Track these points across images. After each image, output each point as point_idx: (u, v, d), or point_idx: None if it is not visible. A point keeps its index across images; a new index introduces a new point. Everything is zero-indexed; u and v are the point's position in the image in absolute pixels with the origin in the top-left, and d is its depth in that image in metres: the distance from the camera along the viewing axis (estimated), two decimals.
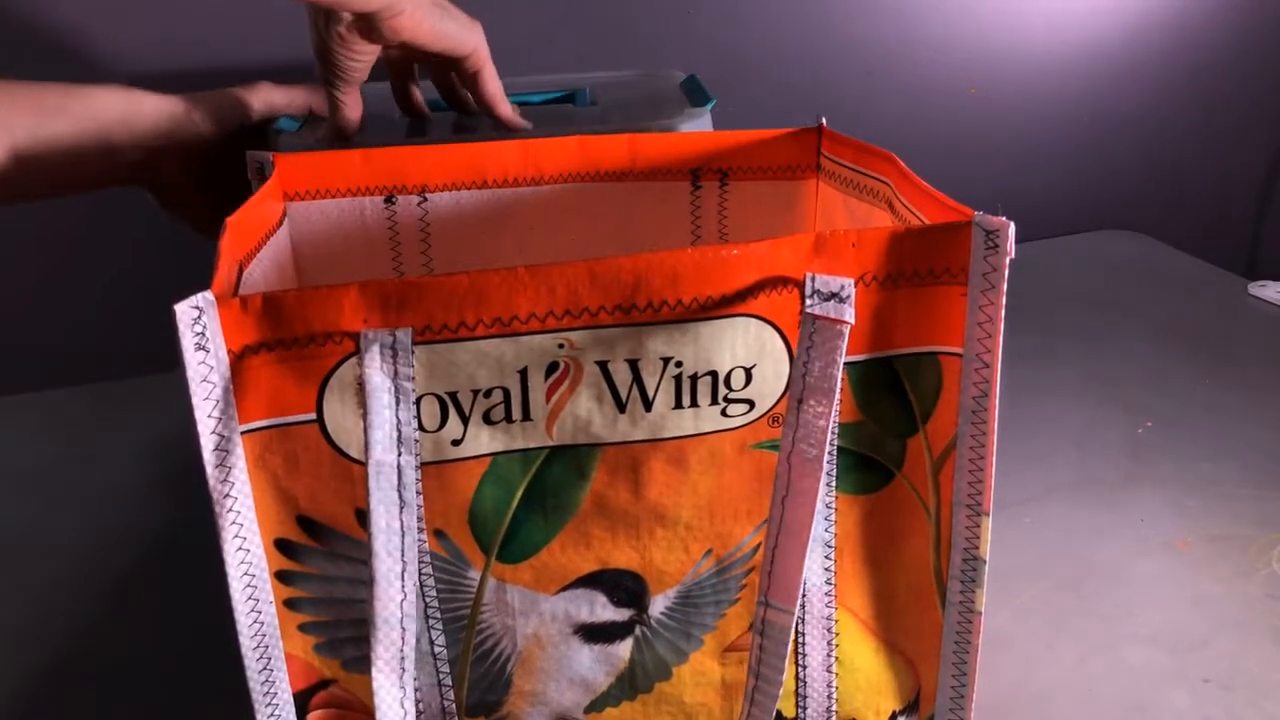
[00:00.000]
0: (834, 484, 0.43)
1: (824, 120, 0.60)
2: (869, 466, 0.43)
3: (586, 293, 0.36)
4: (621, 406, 0.38)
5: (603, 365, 0.37)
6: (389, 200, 0.58)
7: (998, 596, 0.60)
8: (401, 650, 0.38)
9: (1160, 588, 0.62)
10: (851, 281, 0.37)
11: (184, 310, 0.34)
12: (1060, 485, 0.72)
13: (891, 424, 0.42)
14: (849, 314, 0.37)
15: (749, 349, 0.38)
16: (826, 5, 1.05)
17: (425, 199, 0.58)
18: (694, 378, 0.38)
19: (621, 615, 0.43)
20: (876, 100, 1.10)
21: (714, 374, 0.38)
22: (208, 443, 0.36)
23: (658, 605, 0.43)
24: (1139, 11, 1.17)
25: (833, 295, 0.37)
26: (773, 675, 0.39)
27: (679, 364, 0.38)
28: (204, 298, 0.34)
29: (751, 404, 0.40)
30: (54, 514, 0.73)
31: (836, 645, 0.45)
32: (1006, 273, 0.38)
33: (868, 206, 0.53)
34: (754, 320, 0.38)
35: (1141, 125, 1.24)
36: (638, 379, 0.38)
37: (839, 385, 0.37)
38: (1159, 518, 0.68)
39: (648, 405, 0.39)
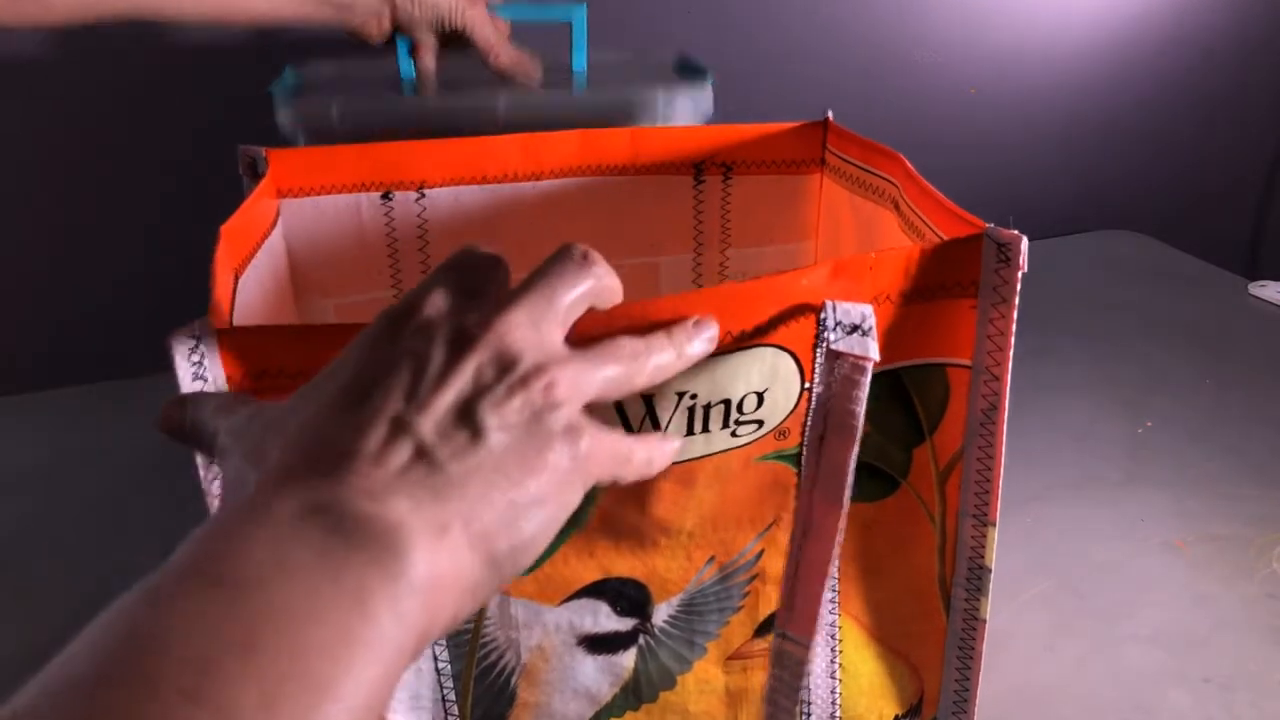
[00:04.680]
0: None
1: (830, 114, 0.59)
2: (874, 475, 0.42)
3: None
4: None
5: (616, 403, 0.36)
6: (386, 196, 0.57)
7: (998, 596, 0.59)
8: (417, 690, 0.37)
9: (1160, 588, 0.62)
10: (872, 311, 0.36)
11: (180, 341, 0.34)
12: (1061, 485, 0.72)
13: (898, 434, 0.41)
14: (873, 349, 0.36)
15: (763, 375, 0.37)
16: (827, 4, 1.05)
17: (423, 195, 0.57)
18: (708, 407, 0.37)
19: (625, 625, 0.42)
20: (877, 100, 1.10)
21: (727, 401, 0.37)
22: (207, 474, 0.35)
23: (661, 614, 0.42)
24: (1139, 12, 1.17)
25: (855, 328, 0.36)
26: (787, 705, 0.38)
27: (694, 396, 0.37)
28: (201, 325, 0.34)
29: (761, 423, 0.39)
30: (54, 514, 0.73)
31: (840, 651, 0.45)
32: (1019, 286, 0.37)
33: (873, 205, 0.53)
34: (770, 349, 0.37)
35: (1141, 125, 1.23)
36: (651, 412, 0.37)
37: (861, 423, 0.36)
38: (1159, 517, 0.68)
39: None
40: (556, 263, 0.32)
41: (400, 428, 0.27)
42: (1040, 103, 1.17)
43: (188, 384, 0.34)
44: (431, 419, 0.28)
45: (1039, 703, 0.54)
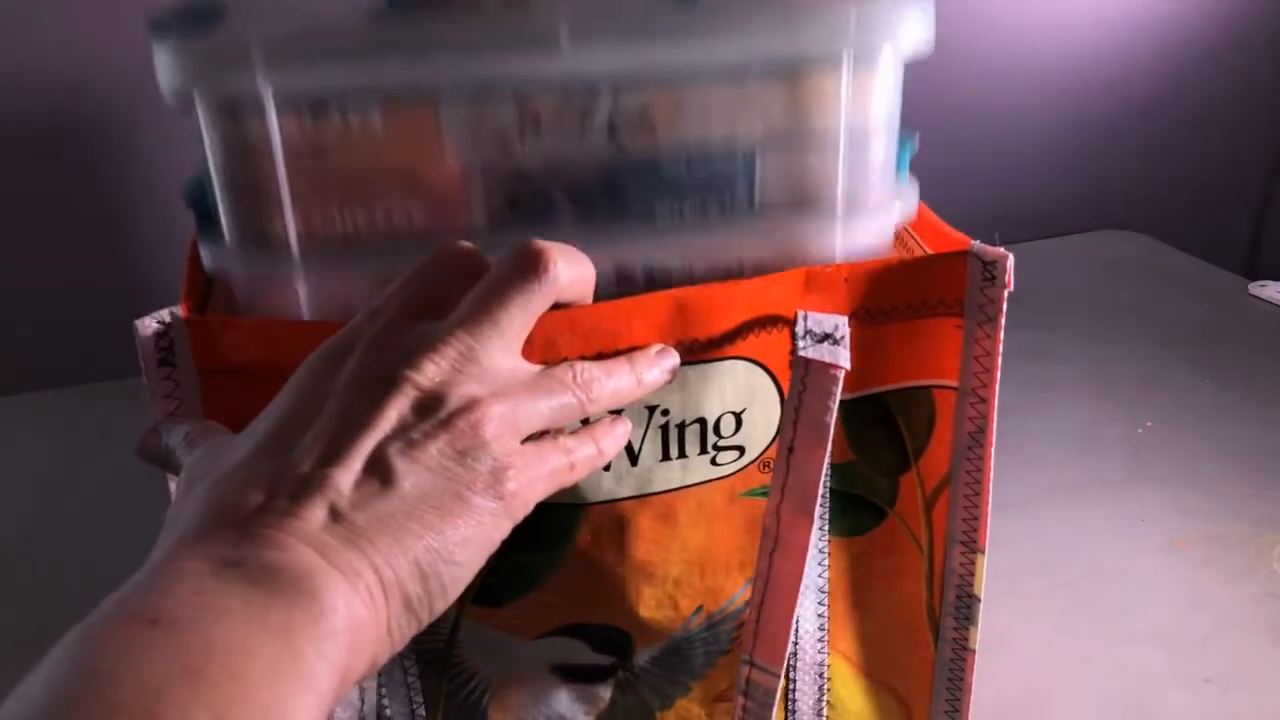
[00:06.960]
0: (826, 529, 0.40)
1: None
2: (861, 507, 0.41)
3: (565, 342, 0.33)
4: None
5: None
6: None
7: (998, 596, 0.59)
8: (360, 712, 0.37)
9: (1160, 588, 0.62)
10: (845, 321, 0.35)
11: (146, 326, 0.33)
12: (1061, 485, 0.72)
13: (884, 462, 0.40)
14: (843, 358, 0.34)
15: (738, 393, 0.36)
16: None
17: None
18: (681, 426, 0.36)
19: (603, 660, 0.40)
20: None
21: (702, 421, 0.36)
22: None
23: (643, 656, 0.40)
24: (1139, 11, 1.17)
25: (826, 337, 0.35)
26: None
27: (665, 412, 0.35)
28: (171, 313, 0.33)
29: (742, 450, 0.37)
30: (54, 514, 0.73)
31: (828, 690, 0.43)
32: (1005, 305, 0.36)
33: None
34: (743, 363, 0.36)
35: (1141, 125, 1.23)
36: None
37: (832, 433, 0.34)
38: (1159, 518, 0.68)
39: (634, 459, 0.36)
40: (507, 277, 0.30)
41: (314, 484, 0.27)
42: (1040, 103, 1.17)
43: (153, 370, 0.33)
44: (348, 472, 0.27)
45: (1039, 703, 0.54)
